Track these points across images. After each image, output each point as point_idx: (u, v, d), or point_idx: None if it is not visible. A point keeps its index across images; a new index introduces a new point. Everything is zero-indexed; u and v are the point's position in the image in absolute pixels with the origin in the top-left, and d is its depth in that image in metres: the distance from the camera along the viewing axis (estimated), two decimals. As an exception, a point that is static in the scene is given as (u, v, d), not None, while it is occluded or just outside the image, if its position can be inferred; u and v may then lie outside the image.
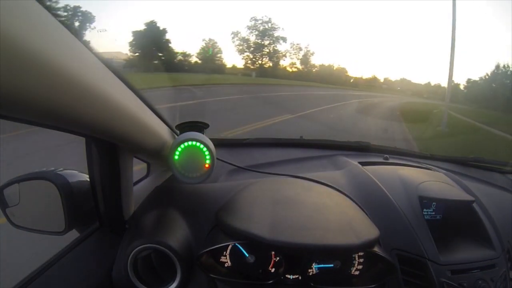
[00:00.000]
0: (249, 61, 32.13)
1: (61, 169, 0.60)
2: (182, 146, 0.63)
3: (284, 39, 33.15)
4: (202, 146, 0.63)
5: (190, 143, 0.63)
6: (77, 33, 0.30)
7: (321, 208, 0.60)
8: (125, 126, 0.43)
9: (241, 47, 31.68)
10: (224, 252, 0.57)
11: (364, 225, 0.57)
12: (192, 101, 7.86)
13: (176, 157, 0.63)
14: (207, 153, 0.64)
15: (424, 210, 0.69)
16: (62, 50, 0.27)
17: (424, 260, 0.59)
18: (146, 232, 0.55)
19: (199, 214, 0.63)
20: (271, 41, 32.54)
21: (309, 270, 0.56)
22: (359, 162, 0.86)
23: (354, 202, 0.67)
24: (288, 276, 0.56)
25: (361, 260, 0.57)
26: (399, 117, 9.13)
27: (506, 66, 25.54)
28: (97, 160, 0.53)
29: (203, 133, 0.70)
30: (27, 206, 0.59)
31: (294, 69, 34.87)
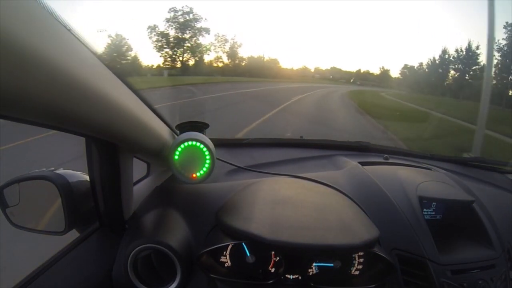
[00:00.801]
0: (169, 58, 27.38)
1: (61, 169, 0.60)
2: (182, 146, 0.63)
3: (207, 31, 28.66)
4: (202, 146, 0.64)
5: (190, 143, 0.63)
6: (78, 34, 0.30)
7: (321, 208, 0.60)
8: (125, 126, 0.43)
9: (160, 43, 26.99)
10: (224, 252, 0.57)
11: (364, 225, 0.57)
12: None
13: (176, 157, 0.64)
14: (207, 153, 0.64)
15: (424, 210, 0.69)
16: (62, 50, 0.27)
17: (424, 260, 0.59)
18: (146, 232, 0.55)
19: (199, 214, 0.63)
20: (193, 33, 28.07)
21: (309, 270, 0.56)
22: (359, 162, 0.86)
23: (354, 202, 0.67)
24: (288, 276, 0.56)
25: (361, 260, 0.57)
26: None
27: (460, 50, 25.02)
28: (97, 160, 0.53)
29: (203, 133, 0.70)
30: (27, 206, 0.59)
31: (220, 64, 30.82)
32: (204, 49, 29.30)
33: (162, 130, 0.59)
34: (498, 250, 0.64)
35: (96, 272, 0.54)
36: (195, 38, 28.66)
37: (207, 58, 30.88)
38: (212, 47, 30.36)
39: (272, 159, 0.95)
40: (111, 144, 0.50)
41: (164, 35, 27.21)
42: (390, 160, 0.94)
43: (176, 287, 0.52)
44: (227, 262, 0.57)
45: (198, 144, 0.63)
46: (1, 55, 0.20)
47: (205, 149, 0.64)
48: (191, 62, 28.85)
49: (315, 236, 0.51)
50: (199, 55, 29.40)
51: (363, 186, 0.73)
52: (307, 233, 0.52)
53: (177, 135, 0.68)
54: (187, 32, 28.04)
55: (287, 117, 6.68)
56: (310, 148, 1.07)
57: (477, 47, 24.59)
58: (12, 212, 0.58)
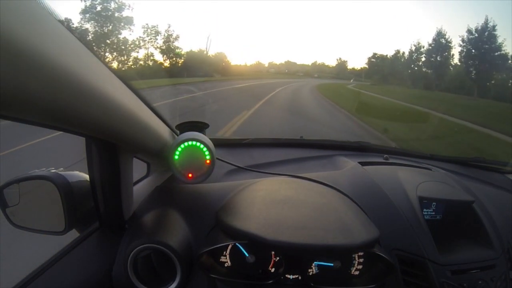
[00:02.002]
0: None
1: (61, 169, 0.60)
2: (182, 146, 0.63)
3: (129, 21, 21.57)
4: (202, 146, 0.64)
5: (190, 143, 0.63)
6: (77, 34, 0.30)
7: (321, 208, 0.60)
8: (125, 126, 0.43)
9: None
10: (224, 252, 0.57)
11: (364, 225, 0.57)
12: None
13: (176, 157, 0.64)
14: (207, 153, 0.64)
15: (424, 210, 0.69)
16: (63, 50, 0.27)
17: (424, 261, 0.59)
18: (146, 232, 0.55)
19: (199, 214, 0.63)
20: (112, 26, 21.32)
21: (309, 270, 0.56)
22: (359, 162, 0.86)
23: (354, 202, 0.67)
24: (288, 276, 0.56)
25: (361, 260, 0.57)
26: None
27: (474, 30, 18.68)
28: (97, 160, 0.53)
29: (203, 133, 0.70)
30: (27, 206, 0.59)
31: (152, 63, 24.29)
32: (131, 45, 23.07)
33: (162, 130, 0.59)
34: (498, 250, 0.64)
35: (96, 272, 0.54)
36: (116, 32, 21.70)
37: (135, 57, 24.17)
38: (142, 42, 23.82)
39: (272, 159, 0.95)
40: (111, 144, 0.50)
41: (83, 31, 20.48)
42: (390, 160, 0.94)
43: (176, 287, 0.52)
44: (227, 262, 0.57)
45: (198, 144, 0.63)
46: (1, 55, 0.20)
47: (205, 149, 0.64)
48: (115, 64, 21.62)
49: (315, 236, 0.51)
50: (125, 54, 22.95)
51: (363, 186, 0.73)
52: (307, 233, 0.52)
53: (177, 135, 0.68)
54: (108, 25, 21.18)
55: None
56: (310, 148, 1.07)
57: (494, 27, 18.02)
58: (12, 212, 0.58)
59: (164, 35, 24.81)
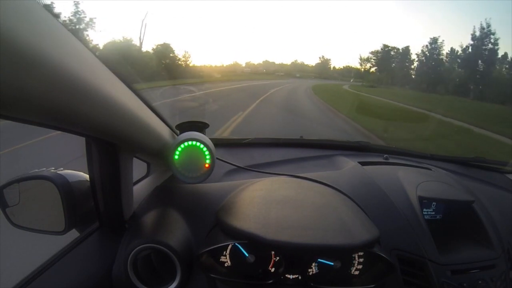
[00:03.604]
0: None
1: (61, 169, 0.60)
2: (182, 146, 0.63)
3: None
4: (202, 145, 0.64)
5: (190, 142, 0.63)
6: (77, 33, 0.30)
7: (321, 208, 0.60)
8: (125, 126, 0.43)
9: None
10: (224, 252, 0.57)
11: (364, 225, 0.57)
12: None
13: (176, 156, 0.64)
14: (207, 153, 0.64)
15: (424, 210, 0.69)
16: (63, 50, 0.27)
17: (424, 260, 0.59)
18: (146, 232, 0.55)
19: (199, 214, 0.63)
20: None
21: (309, 270, 0.56)
22: (359, 162, 0.86)
23: (354, 202, 0.67)
24: (288, 276, 0.56)
25: (361, 260, 0.57)
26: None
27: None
28: (97, 160, 0.53)
29: (203, 133, 0.70)
30: (27, 206, 0.59)
31: None
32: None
33: (162, 130, 0.59)
34: (498, 250, 0.64)
35: (96, 272, 0.54)
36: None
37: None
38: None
39: (272, 159, 0.95)
40: (111, 144, 0.50)
41: None
42: (390, 160, 0.94)
43: (176, 287, 0.52)
44: (227, 262, 0.57)
45: (198, 144, 0.63)
46: (1, 55, 0.20)
47: (205, 148, 0.64)
48: None
49: (315, 236, 0.51)
50: None
51: (363, 186, 0.73)
52: (307, 233, 0.52)
53: (177, 135, 0.68)
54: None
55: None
56: (310, 148, 1.07)
57: None
58: (12, 212, 0.58)
59: (70, 19, 15.32)
